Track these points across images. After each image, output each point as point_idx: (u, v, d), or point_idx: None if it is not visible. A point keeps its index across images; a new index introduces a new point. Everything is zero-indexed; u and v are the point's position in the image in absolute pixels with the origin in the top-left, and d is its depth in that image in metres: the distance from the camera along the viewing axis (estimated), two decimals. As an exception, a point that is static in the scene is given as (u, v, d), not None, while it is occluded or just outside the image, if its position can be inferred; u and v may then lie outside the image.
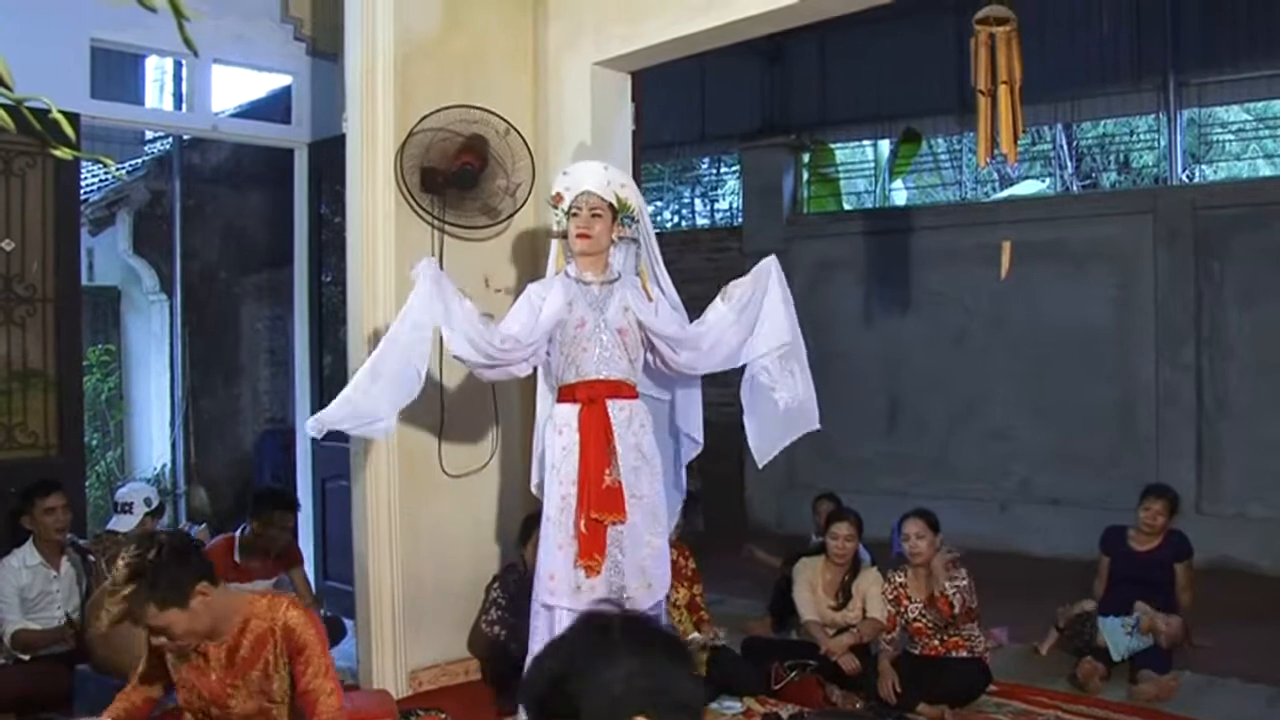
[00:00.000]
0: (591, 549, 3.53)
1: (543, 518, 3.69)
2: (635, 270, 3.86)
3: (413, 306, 3.49)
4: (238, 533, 4.94)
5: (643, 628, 1.39)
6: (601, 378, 3.64)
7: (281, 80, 6.80)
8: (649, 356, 3.82)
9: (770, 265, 3.81)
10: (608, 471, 3.55)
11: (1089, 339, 7.61)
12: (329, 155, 5.64)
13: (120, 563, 2.57)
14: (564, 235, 3.75)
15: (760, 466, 3.97)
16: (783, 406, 3.77)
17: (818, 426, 3.85)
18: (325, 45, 5.91)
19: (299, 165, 6.19)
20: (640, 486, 3.64)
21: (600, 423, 3.58)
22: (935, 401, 8.27)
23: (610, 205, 3.66)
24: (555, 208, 3.76)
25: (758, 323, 3.74)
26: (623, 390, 3.67)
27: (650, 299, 3.76)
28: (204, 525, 6.53)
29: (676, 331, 3.73)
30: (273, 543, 4.90)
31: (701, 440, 4.06)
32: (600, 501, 3.53)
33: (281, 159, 6.37)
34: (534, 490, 3.93)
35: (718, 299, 3.77)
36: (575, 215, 3.64)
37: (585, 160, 4.05)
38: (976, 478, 8.00)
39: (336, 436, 5.62)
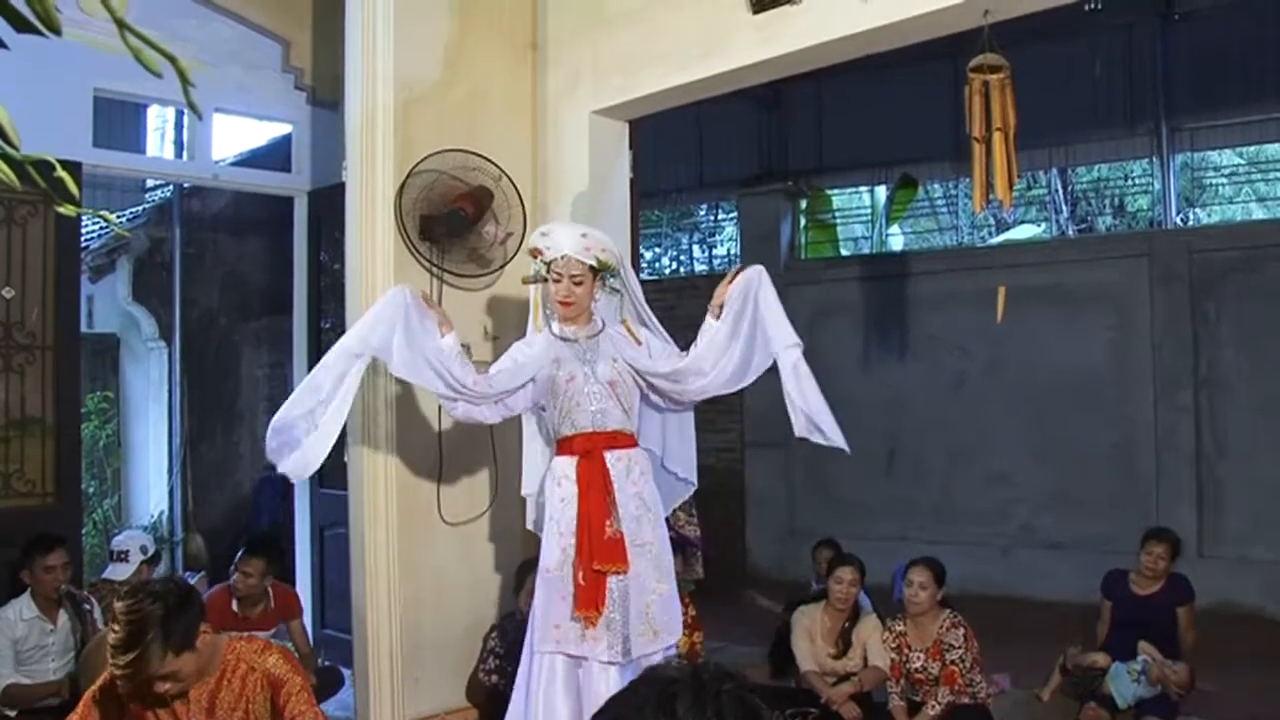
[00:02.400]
0: (592, 601, 3.47)
1: (540, 568, 3.64)
2: (618, 318, 3.82)
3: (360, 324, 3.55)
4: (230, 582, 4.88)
5: (710, 689, 1.23)
6: (597, 429, 3.61)
7: (282, 129, 6.86)
8: (653, 397, 3.76)
9: (757, 274, 3.62)
10: (608, 522, 3.51)
11: (1087, 382, 7.62)
12: (329, 203, 5.69)
13: (116, 626, 2.58)
14: (540, 280, 3.74)
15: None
16: (802, 419, 3.55)
17: (844, 446, 3.51)
18: (326, 94, 5.99)
19: (299, 213, 6.23)
20: (643, 534, 3.59)
21: (599, 474, 3.55)
22: (935, 446, 8.25)
23: (591, 267, 3.64)
24: (534, 258, 3.75)
25: (757, 334, 3.59)
26: (619, 440, 3.63)
27: (639, 343, 3.73)
28: (202, 574, 6.48)
29: (675, 365, 3.67)
30: (247, 590, 4.77)
31: (695, 481, 3.98)
32: (602, 552, 3.49)
33: (281, 207, 6.42)
34: (530, 527, 3.93)
35: (709, 316, 3.66)
36: (557, 281, 3.62)
37: (564, 223, 4.02)
38: (977, 522, 7.97)
39: (335, 484, 5.64)
